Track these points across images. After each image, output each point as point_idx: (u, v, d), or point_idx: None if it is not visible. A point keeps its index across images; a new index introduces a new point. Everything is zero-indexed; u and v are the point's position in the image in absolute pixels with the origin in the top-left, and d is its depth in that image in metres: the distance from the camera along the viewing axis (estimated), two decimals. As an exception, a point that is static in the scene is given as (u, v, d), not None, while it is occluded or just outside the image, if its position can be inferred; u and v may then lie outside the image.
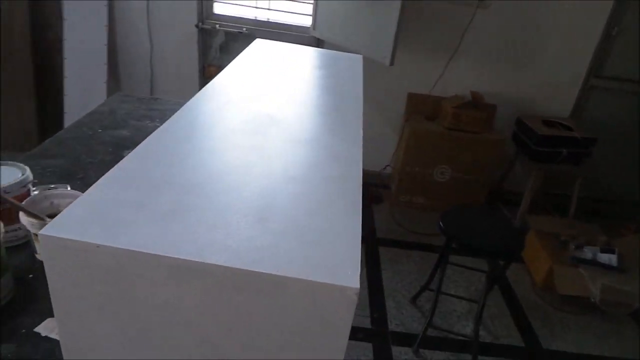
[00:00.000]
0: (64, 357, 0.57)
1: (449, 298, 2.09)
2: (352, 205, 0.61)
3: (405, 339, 1.86)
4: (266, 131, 0.79)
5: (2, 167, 0.85)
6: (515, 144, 2.80)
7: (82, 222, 0.51)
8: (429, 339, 1.87)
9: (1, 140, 2.72)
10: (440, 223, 1.70)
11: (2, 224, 0.71)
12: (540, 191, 2.84)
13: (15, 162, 0.87)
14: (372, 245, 2.44)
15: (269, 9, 2.69)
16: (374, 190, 2.96)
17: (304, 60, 1.31)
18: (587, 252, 2.24)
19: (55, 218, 0.52)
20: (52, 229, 0.49)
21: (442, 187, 2.79)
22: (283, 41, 1.46)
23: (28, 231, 0.81)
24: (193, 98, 0.94)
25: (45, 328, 0.71)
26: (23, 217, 0.76)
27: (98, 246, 0.48)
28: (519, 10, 2.60)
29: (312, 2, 2.56)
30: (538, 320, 2.08)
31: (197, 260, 0.48)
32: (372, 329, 1.88)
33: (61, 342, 0.57)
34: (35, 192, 0.87)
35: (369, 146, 3.38)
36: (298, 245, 0.52)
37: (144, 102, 1.69)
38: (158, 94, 2.86)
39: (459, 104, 2.66)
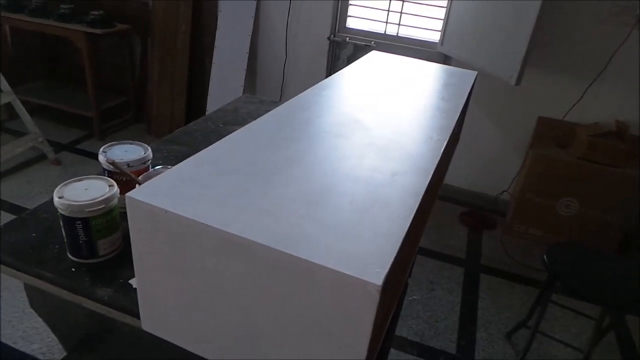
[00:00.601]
0: (139, 300, 0.70)
1: (552, 342, 1.90)
2: (404, 210, 0.64)
3: (492, 375, 1.74)
4: (351, 134, 0.85)
5: (131, 145, 1.04)
6: (665, 184, 2.41)
7: (160, 191, 0.62)
8: (519, 381, 1.73)
9: (153, 128, 3.21)
10: (545, 256, 1.57)
11: (118, 190, 0.88)
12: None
13: (141, 143, 1.05)
14: (474, 270, 2.32)
15: (398, 24, 2.74)
16: (487, 215, 2.80)
17: (414, 73, 1.34)
18: None
19: (140, 186, 0.64)
20: (135, 193, 0.61)
21: (566, 221, 2.53)
22: (410, 56, 1.50)
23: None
24: (295, 97, 1.04)
25: (136, 282, 0.86)
26: (138, 188, 0.93)
27: (166, 212, 0.59)
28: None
29: (443, 18, 2.53)
30: (662, 391, 1.77)
31: (241, 235, 0.55)
32: (457, 355, 1.80)
33: (137, 290, 0.69)
34: (152, 170, 1.04)
35: (487, 168, 3.26)
36: (337, 238, 0.56)
37: (264, 104, 1.87)
38: (288, 97, 3.10)
39: (598, 133, 2.39)
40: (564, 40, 2.43)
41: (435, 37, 2.67)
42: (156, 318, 0.70)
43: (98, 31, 2.77)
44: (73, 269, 0.87)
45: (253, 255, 0.56)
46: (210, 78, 2.94)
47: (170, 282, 0.65)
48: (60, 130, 3.21)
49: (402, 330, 1.88)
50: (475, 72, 1.47)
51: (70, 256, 0.88)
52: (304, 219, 0.59)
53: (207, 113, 3.00)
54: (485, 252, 2.49)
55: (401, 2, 2.67)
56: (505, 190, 2.82)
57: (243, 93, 2.92)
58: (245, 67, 2.91)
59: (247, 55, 2.89)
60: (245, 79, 2.92)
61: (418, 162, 0.78)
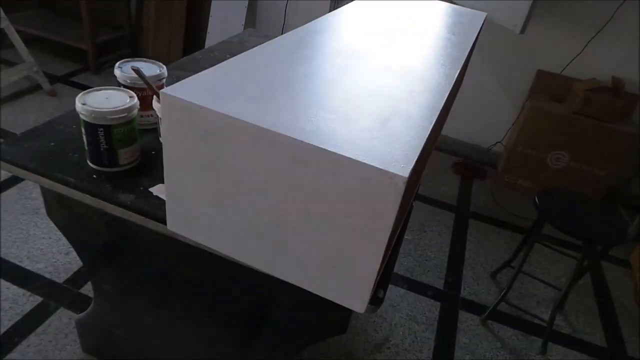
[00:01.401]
0: (167, 205, 0.74)
1: (533, 281, 2.02)
2: (423, 121, 0.67)
3: (475, 308, 1.85)
4: (365, 58, 0.87)
5: (146, 63, 1.05)
6: (653, 142, 2.49)
7: (194, 89, 0.65)
8: (500, 314, 1.85)
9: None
10: (536, 198, 1.64)
11: (138, 101, 0.90)
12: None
13: (155, 61, 1.06)
14: (463, 215, 2.41)
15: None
16: (479, 165, 2.87)
17: (423, 10, 1.34)
18: None
19: (175, 84, 0.66)
20: (170, 89, 0.63)
21: (555, 174, 2.61)
22: None
23: (158, 117, 1.00)
24: (308, 23, 1.04)
25: (156, 189, 0.90)
26: (156, 104, 0.94)
27: (200, 108, 0.62)
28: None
29: (450, -39, 2.48)
30: (629, 328, 1.92)
31: (274, 130, 0.58)
32: (444, 290, 1.91)
33: (166, 192, 0.73)
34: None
35: (483, 119, 3.30)
36: (365, 137, 0.60)
37: (269, 39, 1.85)
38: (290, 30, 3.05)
39: (594, 88, 2.43)
40: (571, -9, 2.41)
41: (441, -18, 2.63)
42: (182, 218, 0.75)
43: (94, -42, 2.66)
44: (94, 176, 0.90)
45: (286, 149, 0.59)
46: (210, 15, 2.87)
47: (200, 179, 0.68)
48: (54, 62, 3.14)
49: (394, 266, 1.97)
50: (484, 14, 1.48)
51: (90, 164, 0.91)
52: (332, 120, 0.63)
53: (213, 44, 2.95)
54: (475, 200, 2.58)
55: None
56: (498, 142, 2.88)
57: (244, 28, 2.87)
58: (247, 5, 2.84)
59: (248, -9, 2.82)
60: (246, 18, 2.86)
61: (433, 85, 0.81)
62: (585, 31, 2.47)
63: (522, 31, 2.11)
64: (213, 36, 2.91)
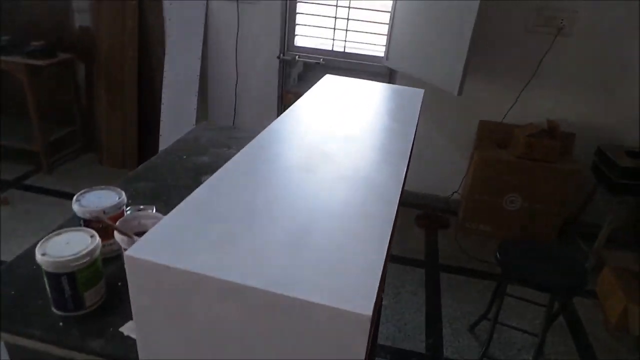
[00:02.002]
0: (139, 354, 0.73)
1: (511, 330, 2.06)
2: (379, 244, 0.71)
3: (460, 368, 1.86)
4: (318, 168, 0.92)
5: (104, 191, 1.06)
6: (595, 175, 2.66)
7: (156, 246, 0.66)
8: (484, 371, 1.86)
9: (104, 158, 3.14)
10: (497, 253, 1.71)
11: (100, 240, 0.90)
12: (624, 225, 2.67)
13: (114, 188, 1.08)
14: (434, 270, 2.46)
15: (345, 41, 2.85)
16: (441, 215, 2.97)
17: (367, 95, 1.43)
18: (671, 295, 2.07)
19: (136, 242, 0.68)
20: (132, 250, 0.65)
21: (512, 216, 2.73)
22: (357, 70, 1.58)
23: (120, 246, 1.00)
24: (262, 132, 1.10)
25: (127, 328, 0.89)
26: (117, 235, 0.95)
27: (167, 267, 0.63)
28: (603, 36, 2.51)
29: (386, 34, 2.67)
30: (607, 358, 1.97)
31: (240, 283, 0.61)
32: (426, 354, 1.91)
33: (137, 342, 0.73)
34: (128, 212, 1.07)
35: (437, 172, 3.44)
36: (323, 274, 0.63)
37: (224, 131, 1.91)
38: (241, 117, 3.13)
39: (532, 132, 2.61)
40: (499, 48, 2.63)
41: (380, 51, 2.81)
42: (157, 365, 0.74)
43: (40, 62, 2.69)
44: (61, 324, 0.88)
45: (251, 299, 0.61)
46: (162, 103, 2.92)
47: (171, 332, 0.69)
48: (5, 167, 3.07)
49: (374, 336, 1.97)
50: (422, 90, 1.59)
51: (55, 310, 0.90)
52: (291, 259, 0.66)
53: (160, 138, 2.98)
54: (442, 251, 2.64)
55: (346, 20, 2.78)
56: (455, 191, 3.00)
57: (196, 116, 2.93)
58: (197, 90, 2.91)
59: (198, 78, 2.90)
60: (198, 102, 2.93)
61: (384, 191, 0.87)
62: (516, 82, 2.68)
63: (460, 92, 2.27)
64: (167, 124, 2.95)
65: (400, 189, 0.89)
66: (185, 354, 0.70)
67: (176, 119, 2.92)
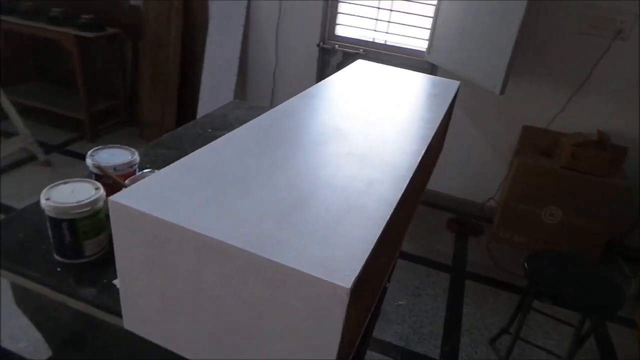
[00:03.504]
0: (121, 302, 0.72)
1: (534, 348, 1.93)
2: (378, 218, 0.66)
3: (474, 379, 1.77)
4: (330, 143, 0.88)
5: (118, 149, 1.06)
6: (646, 194, 2.47)
7: (142, 195, 0.64)
8: (500, 385, 1.76)
9: (144, 132, 3.22)
10: (526, 263, 1.60)
11: (104, 193, 0.90)
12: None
13: (128, 147, 1.07)
14: (460, 276, 2.36)
15: (387, 32, 2.78)
16: (473, 221, 2.84)
17: (398, 82, 1.37)
18: None
19: (124, 189, 0.66)
20: (118, 196, 0.63)
21: (550, 229, 2.57)
22: (397, 64, 1.53)
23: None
24: (282, 104, 1.07)
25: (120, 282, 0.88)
26: (124, 191, 0.94)
27: (147, 215, 0.61)
28: (666, 44, 2.32)
29: (430, 27, 2.58)
30: (640, 396, 1.81)
31: (217, 239, 0.57)
32: (440, 360, 1.83)
33: (120, 291, 0.71)
34: (139, 173, 1.06)
35: (474, 175, 3.29)
36: (310, 243, 0.58)
37: (253, 110, 1.90)
38: (278, 102, 3.12)
39: (580, 142, 2.45)
40: (548, 50, 2.48)
41: (422, 45, 2.72)
42: (138, 317, 0.72)
43: (89, 35, 2.79)
44: (59, 269, 0.88)
45: (229, 258, 0.58)
46: (202, 83, 2.96)
47: (151, 282, 0.67)
48: (50, 132, 3.21)
49: (387, 335, 1.90)
50: (458, 82, 1.51)
51: (56, 256, 0.90)
52: (279, 224, 0.62)
53: (197, 116, 3.02)
54: (471, 258, 2.53)
55: (389, 11, 2.71)
56: (491, 198, 2.87)
57: (234, 99, 2.95)
58: (236, 73, 2.93)
59: (237, 61, 2.92)
60: (236, 85, 2.94)
61: (395, 171, 0.81)
62: (567, 86, 2.52)
63: (502, 92, 2.16)
64: (205, 103, 2.99)
65: (412, 172, 0.82)
66: (163, 307, 0.68)
67: (214, 98, 2.95)
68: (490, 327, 2.04)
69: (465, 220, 2.85)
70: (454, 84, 1.50)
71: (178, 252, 0.61)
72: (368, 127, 0.98)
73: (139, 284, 0.68)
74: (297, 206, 0.66)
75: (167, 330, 0.70)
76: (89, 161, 1.01)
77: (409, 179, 0.79)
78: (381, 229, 0.64)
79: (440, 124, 1.13)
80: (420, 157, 0.89)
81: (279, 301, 0.57)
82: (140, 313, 0.71)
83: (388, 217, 0.67)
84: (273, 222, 0.62)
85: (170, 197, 0.64)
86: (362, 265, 0.56)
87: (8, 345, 1.59)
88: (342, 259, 0.57)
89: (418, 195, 1.24)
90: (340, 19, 2.86)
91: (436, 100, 1.27)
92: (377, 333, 1.91)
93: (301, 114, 1.01)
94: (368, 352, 1.82)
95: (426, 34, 2.64)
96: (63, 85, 3.48)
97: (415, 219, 2.80)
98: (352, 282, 0.53)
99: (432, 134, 1.03)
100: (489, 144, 2.80)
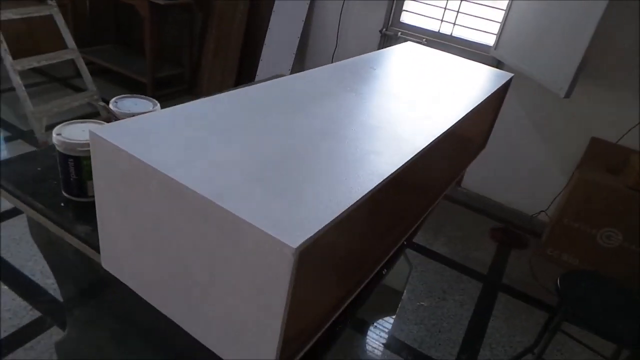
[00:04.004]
0: (99, 235, 0.73)
1: (561, 374, 1.78)
2: (358, 185, 0.62)
3: (487, 395, 1.66)
4: (342, 109, 0.85)
5: (142, 100, 1.08)
6: None
7: (125, 132, 0.64)
8: (515, 407, 1.63)
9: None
10: (559, 281, 1.47)
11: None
12: None
13: (151, 99, 1.10)
14: (493, 287, 2.22)
15: (454, 24, 2.65)
16: (520, 234, 2.66)
17: (441, 66, 1.30)
18: None
19: (106, 124, 0.66)
20: (98, 130, 0.63)
21: (605, 253, 2.35)
22: (461, 56, 1.44)
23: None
24: (306, 71, 1.04)
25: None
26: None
27: (120, 150, 0.61)
28: None
29: (500, 21, 2.42)
30: None
31: (179, 181, 0.56)
32: (453, 368, 1.73)
33: (98, 227, 0.72)
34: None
35: (527, 185, 3.08)
36: (275, 199, 0.56)
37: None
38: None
39: (654, 163, 2.20)
40: (628, 57, 2.24)
41: (489, 40, 2.56)
42: (113, 257, 0.73)
43: (161, 2, 2.90)
44: (62, 204, 0.92)
45: (187, 202, 0.56)
46: (261, 59, 3.00)
47: (122, 220, 0.67)
48: (117, 92, 3.40)
49: (402, 334, 1.83)
50: (511, 75, 1.40)
51: (63, 192, 0.94)
52: (250, 177, 0.59)
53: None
54: (509, 271, 2.37)
55: (459, 1, 2.58)
56: (543, 210, 2.67)
57: (289, 77, 2.95)
58: (295, 52, 2.93)
59: (298, 40, 2.91)
60: (293, 63, 2.95)
61: (399, 146, 0.75)
62: (647, 101, 2.27)
63: (568, 95, 1.98)
64: (262, 79, 3.02)
65: (419, 151, 0.76)
66: (133, 249, 0.68)
67: (271, 74, 2.97)
68: (516, 345, 1.90)
69: (510, 230, 2.68)
70: (505, 75, 1.39)
71: (146, 192, 0.61)
72: (389, 102, 0.93)
73: (113, 221, 0.68)
74: (277, 162, 0.64)
75: (136, 273, 0.70)
76: (111, 106, 1.04)
77: (411, 156, 0.73)
78: (357, 198, 0.59)
79: (474, 111, 1.05)
80: (436, 139, 0.82)
81: (231, 253, 0.55)
82: (115, 253, 0.72)
83: (372, 188, 0.63)
84: (245, 174, 0.60)
85: (149, 137, 0.64)
86: (319, 227, 0.52)
87: (38, 279, 1.71)
88: (302, 219, 0.53)
89: (439, 187, 1.16)
90: (407, 5, 2.76)
91: (477, 87, 1.19)
92: (391, 330, 1.84)
93: (322, 82, 0.97)
94: (376, 346, 1.77)
95: (495, 28, 2.49)
96: (135, 49, 3.66)
97: (456, 222, 2.67)
98: (300, 242, 0.49)
99: (458, 119, 0.95)
100: (550, 152, 2.60)
